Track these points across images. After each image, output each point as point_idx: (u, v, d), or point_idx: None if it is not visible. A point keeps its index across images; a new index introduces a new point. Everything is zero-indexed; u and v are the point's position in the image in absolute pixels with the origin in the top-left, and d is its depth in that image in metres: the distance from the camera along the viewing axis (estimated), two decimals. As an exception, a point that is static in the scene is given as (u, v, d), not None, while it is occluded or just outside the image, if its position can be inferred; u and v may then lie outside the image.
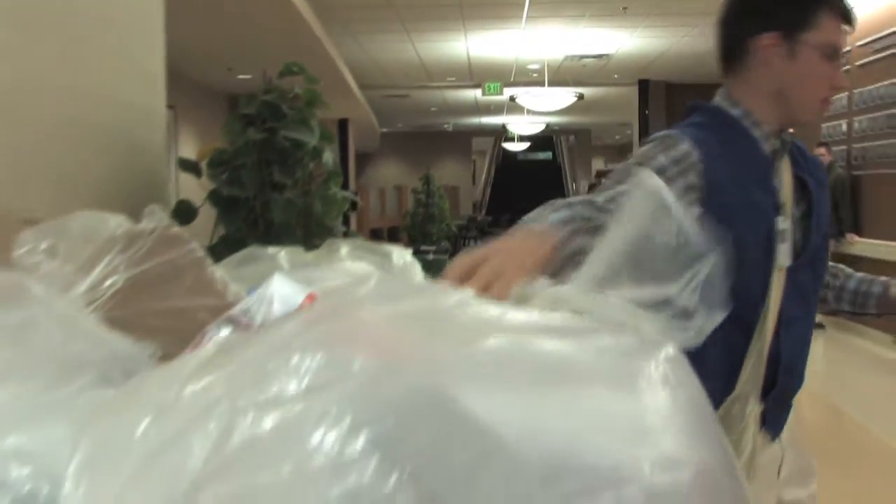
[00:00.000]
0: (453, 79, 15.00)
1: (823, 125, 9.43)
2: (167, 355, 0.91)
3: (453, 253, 16.74)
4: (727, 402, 1.64)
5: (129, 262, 1.29)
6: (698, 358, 1.62)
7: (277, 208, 2.93)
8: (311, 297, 0.99)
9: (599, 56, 12.82)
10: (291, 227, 2.98)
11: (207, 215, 3.16)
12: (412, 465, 0.41)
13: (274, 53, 3.32)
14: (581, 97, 14.14)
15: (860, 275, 1.95)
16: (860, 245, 8.62)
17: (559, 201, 1.52)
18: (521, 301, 0.65)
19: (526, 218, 1.49)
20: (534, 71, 13.70)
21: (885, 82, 8.36)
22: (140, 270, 1.29)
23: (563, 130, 25.10)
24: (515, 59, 12.98)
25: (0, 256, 1.13)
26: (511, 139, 23.55)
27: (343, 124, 15.87)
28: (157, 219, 1.39)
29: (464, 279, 1.07)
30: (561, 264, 1.39)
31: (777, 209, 1.68)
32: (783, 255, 1.67)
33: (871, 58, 8.44)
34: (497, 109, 18.84)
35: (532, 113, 17.20)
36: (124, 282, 1.27)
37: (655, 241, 0.71)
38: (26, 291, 0.83)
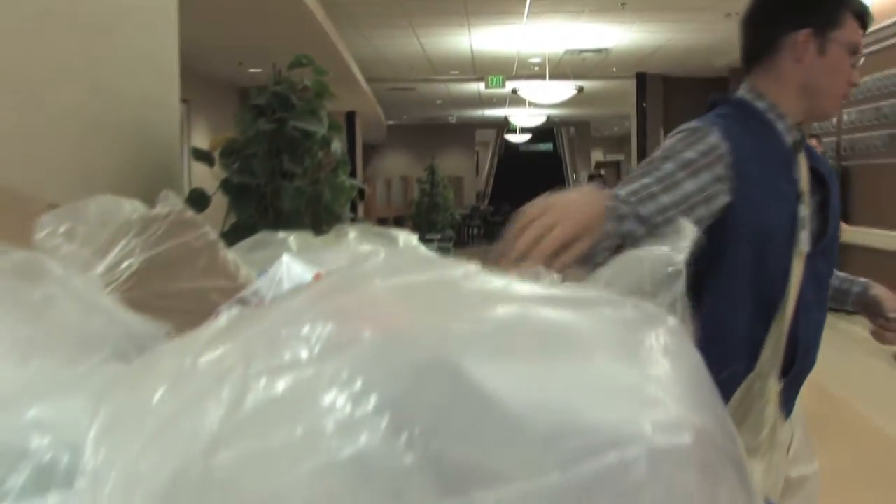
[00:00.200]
0: (457, 72, 14.97)
1: (814, 117, 9.39)
2: (181, 334, 0.91)
3: (457, 241, 16.75)
4: (749, 380, 1.67)
5: (145, 245, 1.29)
6: (724, 338, 1.65)
7: (287, 196, 2.93)
8: (318, 277, 0.99)
9: (598, 50, 12.78)
10: (301, 214, 2.98)
11: (219, 203, 3.16)
12: (420, 427, 0.40)
13: (283, 48, 3.31)
14: (581, 90, 14.11)
15: (843, 274, 1.99)
16: (849, 233, 8.61)
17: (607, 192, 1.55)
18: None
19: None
20: (535, 64, 13.67)
21: (874, 75, 8.33)
22: (155, 253, 1.29)
23: (564, 122, 25.05)
24: (517, 53, 12.95)
25: (22, 239, 1.13)
26: (513, 131, 23.52)
27: (350, 117, 15.86)
28: (171, 203, 1.39)
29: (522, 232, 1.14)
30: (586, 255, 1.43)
31: (798, 198, 1.71)
32: (804, 242, 1.70)
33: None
34: (499, 102, 18.81)
35: (533, 105, 17.18)
36: (140, 264, 1.27)
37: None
38: (46, 270, 0.83)
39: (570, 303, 0.51)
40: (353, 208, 3.88)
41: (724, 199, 1.62)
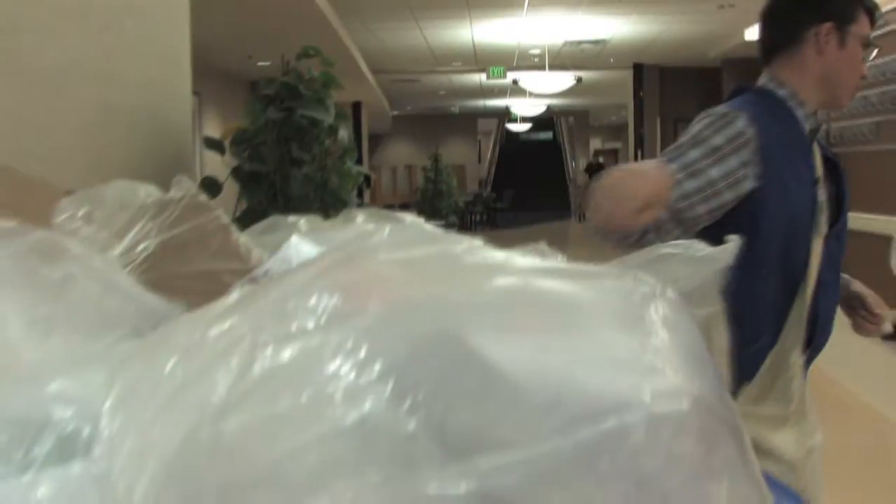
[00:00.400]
0: (459, 64, 14.91)
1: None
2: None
3: (460, 227, 16.77)
4: (774, 353, 1.71)
5: (160, 228, 1.29)
6: (753, 315, 1.67)
7: (296, 182, 2.93)
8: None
9: (596, 41, 12.72)
10: (309, 200, 2.98)
11: (231, 190, 3.16)
12: (423, 394, 0.40)
13: (291, 41, 3.31)
14: (579, 80, 14.06)
15: None
16: (840, 217, 8.59)
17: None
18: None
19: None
20: (535, 56, 13.61)
21: (864, 64, 8.28)
22: (169, 236, 1.29)
23: (563, 112, 24.96)
24: (518, 45, 12.89)
25: (41, 223, 1.13)
26: (514, 120, 23.45)
27: (356, 107, 15.82)
28: (184, 188, 1.39)
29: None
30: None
31: (815, 182, 1.75)
32: (822, 224, 1.75)
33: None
34: (501, 92, 18.74)
35: (533, 95, 17.12)
36: (155, 246, 1.27)
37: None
38: (65, 250, 0.83)
39: (570, 275, 0.51)
40: (360, 195, 3.88)
41: (750, 184, 1.65)
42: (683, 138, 1.70)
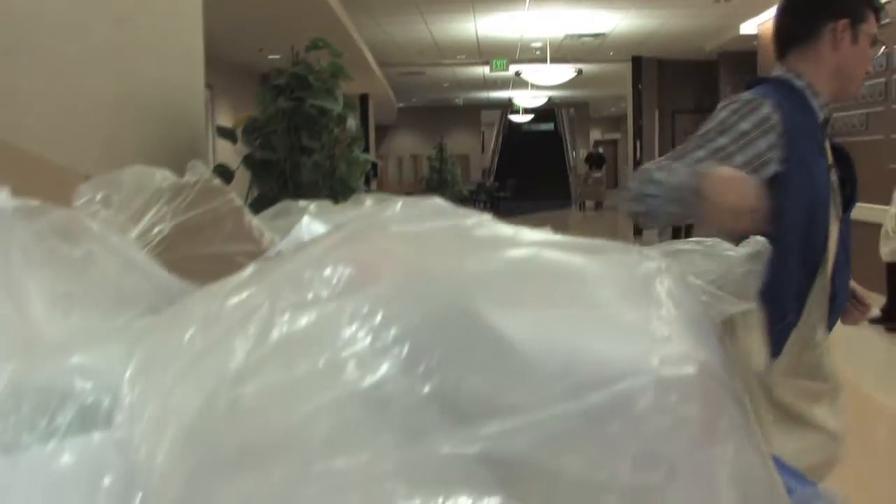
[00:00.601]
0: (463, 56, 14.87)
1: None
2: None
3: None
4: (798, 329, 1.75)
5: (175, 212, 1.29)
6: (779, 293, 1.68)
7: (306, 170, 2.92)
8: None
9: (596, 35, 12.67)
10: (318, 187, 2.98)
11: (242, 178, 3.16)
12: (437, 359, 0.40)
13: (300, 35, 3.31)
14: (580, 73, 14.01)
15: None
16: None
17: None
18: None
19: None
20: (537, 49, 13.56)
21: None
22: (184, 219, 1.29)
23: (564, 103, 24.89)
24: (520, 38, 12.85)
25: (62, 206, 1.13)
26: (516, 112, 23.39)
27: (363, 99, 15.78)
28: (199, 172, 1.39)
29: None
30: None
31: (828, 169, 1.80)
32: (837, 208, 1.81)
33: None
34: (503, 84, 18.69)
35: (535, 87, 17.07)
36: (171, 229, 1.27)
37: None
38: (85, 228, 0.83)
39: (578, 248, 0.50)
40: (367, 183, 3.87)
41: (773, 168, 1.69)
42: (709, 125, 1.75)
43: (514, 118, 24.38)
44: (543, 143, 26.84)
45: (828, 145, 1.84)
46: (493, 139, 26.10)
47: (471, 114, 25.26)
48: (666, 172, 1.61)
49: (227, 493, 0.41)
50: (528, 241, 0.49)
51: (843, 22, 1.80)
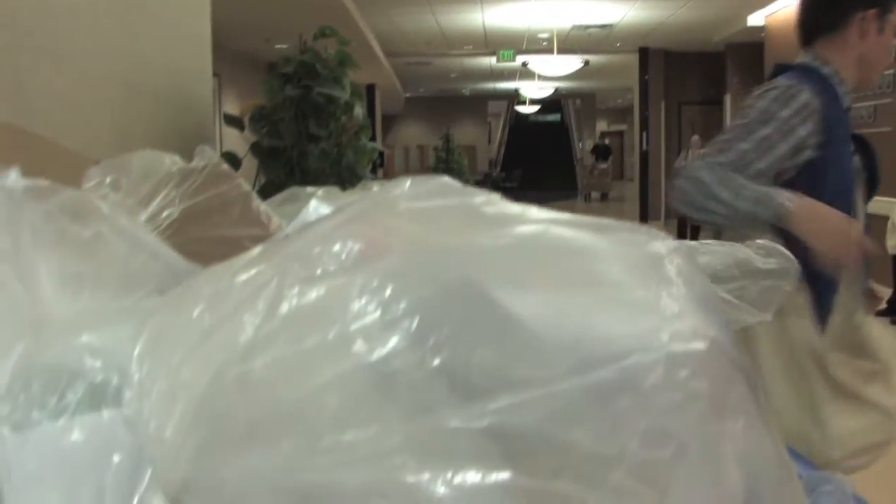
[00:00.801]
0: (470, 47, 14.82)
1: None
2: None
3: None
4: (837, 304, 1.76)
5: (183, 196, 1.29)
6: (817, 271, 1.69)
7: (313, 158, 2.92)
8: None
9: (603, 26, 12.61)
10: (326, 175, 2.98)
11: (249, 166, 3.16)
12: (447, 333, 0.40)
13: (308, 24, 3.30)
14: (587, 63, 13.95)
15: None
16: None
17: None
18: None
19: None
20: (543, 39, 13.51)
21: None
22: (193, 203, 1.29)
23: (570, 95, 24.80)
24: (527, 29, 12.79)
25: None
26: (523, 102, 23.31)
27: (371, 89, 15.75)
28: (207, 157, 1.38)
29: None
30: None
31: (852, 154, 1.83)
32: (862, 194, 1.85)
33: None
34: (510, 75, 18.63)
35: (542, 78, 17.01)
36: (179, 213, 1.27)
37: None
38: (95, 209, 0.83)
39: (588, 226, 0.50)
40: (374, 171, 3.87)
41: (809, 154, 1.71)
42: (751, 113, 1.74)
43: (521, 109, 24.31)
44: (550, 134, 26.76)
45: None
46: (499, 130, 26.04)
47: (477, 104, 25.20)
48: (730, 193, 1.63)
49: (236, 466, 0.41)
50: (537, 218, 0.49)
51: (873, 11, 1.81)
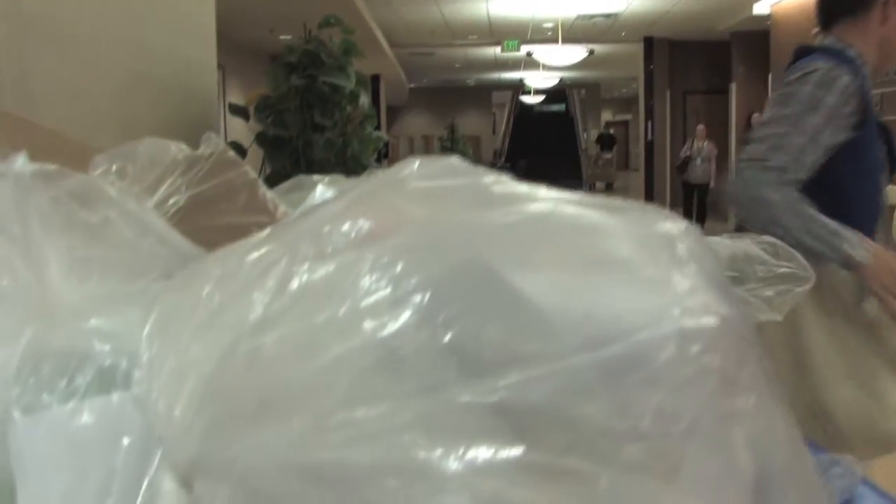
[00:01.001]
0: (475, 37, 14.77)
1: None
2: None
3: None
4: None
5: (190, 183, 1.29)
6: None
7: (318, 147, 2.91)
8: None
9: (608, 15, 12.56)
10: (331, 165, 2.97)
11: (255, 155, 3.16)
12: (458, 308, 0.40)
13: (312, 14, 3.30)
14: (591, 53, 13.91)
15: None
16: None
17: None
18: None
19: None
20: (548, 29, 13.46)
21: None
22: (199, 190, 1.29)
23: (575, 84, 24.73)
24: (531, 18, 12.75)
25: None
26: (527, 93, 23.27)
27: (375, 80, 15.71)
28: (213, 144, 1.38)
29: None
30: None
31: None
32: (886, 175, 1.87)
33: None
34: (515, 65, 18.58)
35: (547, 68, 16.96)
36: (185, 200, 1.26)
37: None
38: (103, 194, 0.83)
39: (599, 205, 0.50)
40: (379, 161, 3.86)
41: (844, 135, 1.71)
42: (795, 101, 1.74)
43: (526, 99, 24.25)
44: (554, 124, 26.68)
45: None
46: (504, 120, 25.98)
47: (482, 95, 25.14)
48: (798, 224, 1.63)
49: (246, 444, 0.41)
50: (547, 197, 0.49)
51: None
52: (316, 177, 1.70)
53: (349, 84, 2.97)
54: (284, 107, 2.97)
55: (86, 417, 0.62)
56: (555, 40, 13.21)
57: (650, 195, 14.95)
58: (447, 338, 0.39)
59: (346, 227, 0.45)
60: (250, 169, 1.39)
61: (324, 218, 0.47)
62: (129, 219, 0.85)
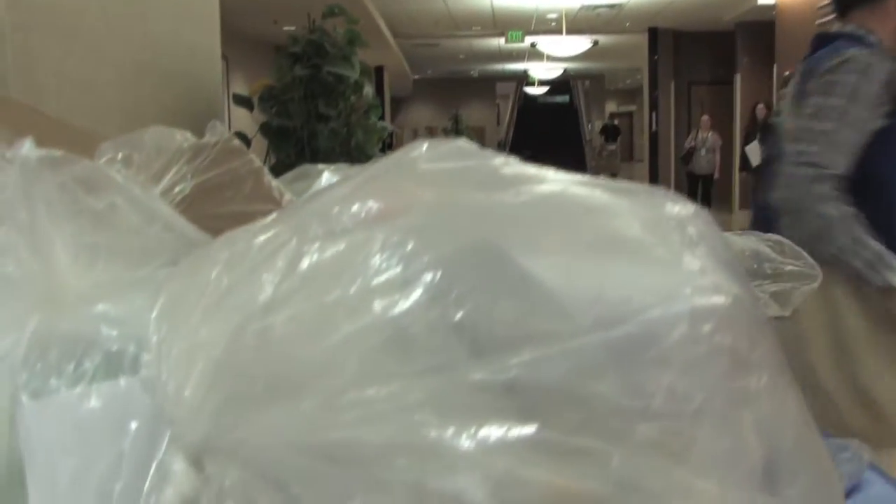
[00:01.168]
0: (479, 28, 14.74)
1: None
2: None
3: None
4: None
5: (195, 172, 1.29)
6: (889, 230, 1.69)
7: (323, 137, 2.91)
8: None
9: (612, 6, 12.51)
10: (335, 155, 2.97)
11: (259, 146, 3.16)
12: (469, 286, 0.40)
13: (316, 6, 3.29)
14: (596, 44, 13.87)
15: None
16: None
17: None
18: None
19: None
20: (552, 20, 13.42)
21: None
22: (204, 179, 1.29)
23: (579, 75, 24.68)
24: (535, 9, 12.71)
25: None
26: (531, 84, 23.23)
27: (379, 71, 15.69)
28: (218, 132, 1.38)
29: None
30: None
31: None
32: None
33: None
34: (519, 56, 18.54)
35: (551, 59, 16.93)
36: (191, 189, 1.26)
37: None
38: (109, 180, 0.83)
39: (608, 187, 0.49)
40: (384, 151, 3.86)
41: (882, 122, 1.71)
42: (839, 93, 1.72)
43: (530, 90, 24.21)
44: (559, 115, 26.63)
45: None
46: (508, 111, 25.94)
47: (486, 86, 25.10)
48: (848, 243, 1.63)
49: (256, 423, 0.41)
50: (557, 178, 0.49)
51: None
52: (321, 166, 1.71)
53: (353, 74, 2.96)
54: (289, 97, 2.97)
55: (94, 402, 0.62)
56: (559, 31, 13.18)
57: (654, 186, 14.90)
58: (458, 316, 0.39)
59: (355, 207, 0.45)
60: (255, 157, 1.39)
61: (333, 199, 0.47)
62: (135, 205, 0.85)
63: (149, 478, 0.54)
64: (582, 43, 13.51)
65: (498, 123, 26.04)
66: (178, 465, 0.45)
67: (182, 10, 2.65)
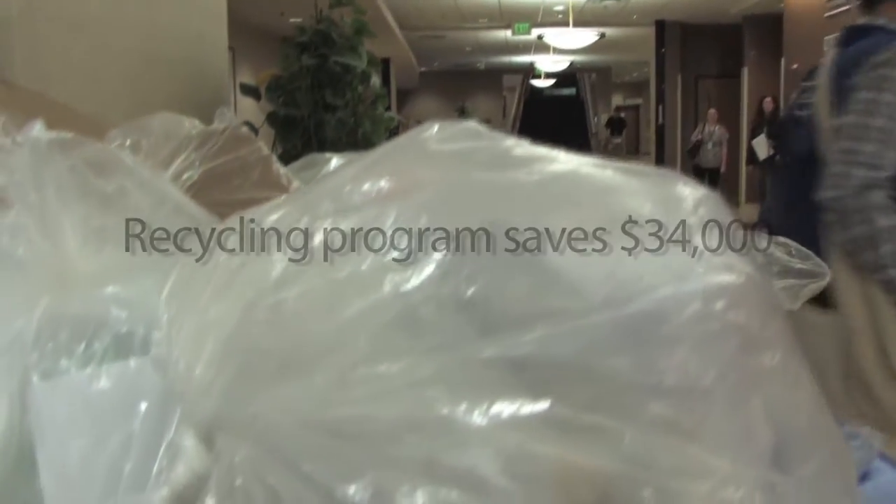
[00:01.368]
0: (485, 20, 14.70)
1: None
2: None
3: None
4: None
5: (203, 159, 1.28)
6: None
7: (329, 127, 2.91)
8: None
9: (619, -2, 12.47)
10: (342, 144, 2.97)
11: (266, 135, 3.16)
12: (482, 263, 0.39)
13: (322, -3, 3.31)
14: (602, 36, 13.82)
15: None
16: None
17: None
18: None
19: None
20: (559, 12, 13.38)
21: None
22: (213, 165, 1.29)
23: (586, 68, 24.61)
24: (542, 2, 12.67)
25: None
26: (538, 76, 23.17)
27: (386, 63, 15.66)
28: (227, 119, 1.38)
29: None
30: None
31: None
32: None
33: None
34: (525, 49, 18.49)
35: (557, 52, 16.89)
36: (199, 176, 1.26)
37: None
38: (118, 163, 0.83)
39: (620, 168, 0.49)
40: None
41: None
42: (891, 90, 1.68)
43: (536, 83, 24.15)
44: (565, 107, 26.57)
45: None
46: (514, 104, 25.89)
47: (492, 78, 25.06)
48: (888, 251, 1.60)
49: (267, 400, 0.41)
50: (568, 159, 0.48)
51: None
52: (329, 154, 1.71)
53: (361, 64, 2.96)
54: (296, 86, 2.97)
55: (104, 382, 0.62)
56: (565, 23, 13.14)
57: (661, 179, 14.85)
58: (469, 293, 0.39)
59: (366, 186, 0.45)
60: (263, 145, 1.38)
61: (344, 179, 0.47)
62: (144, 188, 0.85)
63: (159, 457, 0.54)
64: (589, 35, 13.47)
65: (504, 116, 26.00)
66: (189, 442, 0.45)
67: (188, 1, 2.65)
